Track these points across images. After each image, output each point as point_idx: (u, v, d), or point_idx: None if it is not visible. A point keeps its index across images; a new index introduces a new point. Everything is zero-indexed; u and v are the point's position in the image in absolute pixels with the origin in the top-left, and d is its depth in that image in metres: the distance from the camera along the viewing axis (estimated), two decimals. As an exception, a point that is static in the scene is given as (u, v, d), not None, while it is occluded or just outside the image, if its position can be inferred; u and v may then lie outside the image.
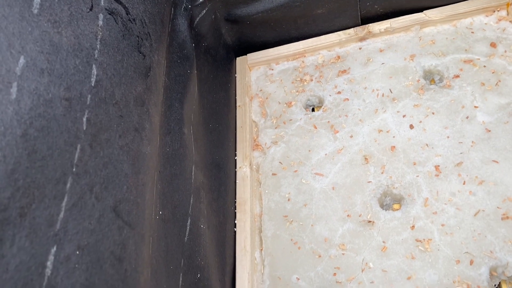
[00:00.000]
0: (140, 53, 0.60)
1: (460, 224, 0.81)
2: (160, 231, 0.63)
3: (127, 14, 0.59)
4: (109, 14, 0.54)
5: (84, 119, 0.47)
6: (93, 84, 0.50)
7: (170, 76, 0.77)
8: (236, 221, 0.91)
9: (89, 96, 0.49)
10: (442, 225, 0.81)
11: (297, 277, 0.84)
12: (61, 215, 0.40)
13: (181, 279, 0.66)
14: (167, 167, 0.69)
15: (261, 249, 0.90)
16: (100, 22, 0.52)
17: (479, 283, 0.76)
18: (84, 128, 0.46)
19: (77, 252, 0.41)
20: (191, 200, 0.74)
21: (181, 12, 0.87)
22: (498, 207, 0.81)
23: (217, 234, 0.84)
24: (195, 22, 0.95)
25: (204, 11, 0.97)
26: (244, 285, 0.83)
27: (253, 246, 0.89)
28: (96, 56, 0.52)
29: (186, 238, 0.70)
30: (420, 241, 0.81)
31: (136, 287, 0.48)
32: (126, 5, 0.58)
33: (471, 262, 0.78)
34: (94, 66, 0.51)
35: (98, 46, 0.53)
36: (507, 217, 0.79)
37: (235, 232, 0.90)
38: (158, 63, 0.66)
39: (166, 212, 0.66)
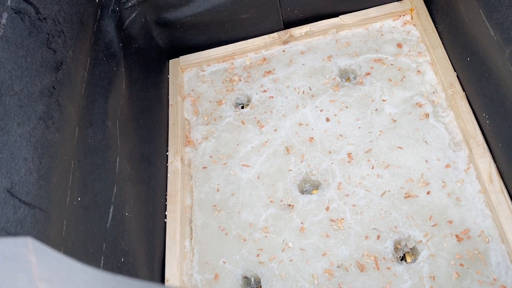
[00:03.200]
0: (50, 48, 0.64)
1: (369, 204, 0.89)
2: (79, 216, 0.66)
3: (36, 14, 0.63)
4: (15, 13, 0.57)
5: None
6: None
7: (94, 72, 0.81)
8: (166, 212, 0.95)
9: None
10: (353, 205, 0.90)
11: (223, 261, 0.89)
12: None
13: (102, 261, 0.69)
14: (87, 157, 0.72)
15: (191, 238, 0.94)
16: (4, 21, 0.56)
17: (385, 255, 0.84)
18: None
19: None
20: (115, 189, 0.77)
21: (109, 14, 0.91)
22: (401, 187, 0.90)
23: (146, 224, 0.87)
24: (125, 25, 1.00)
25: (134, 14, 1.02)
26: (173, 271, 0.87)
27: (183, 235, 0.93)
28: None
29: (108, 224, 0.73)
30: (334, 220, 0.89)
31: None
32: (37, 6, 0.62)
33: (378, 237, 0.86)
34: None
35: None
36: (409, 196, 0.89)
37: (165, 222, 0.94)
38: (74, 59, 0.70)
39: (86, 199, 0.70)
